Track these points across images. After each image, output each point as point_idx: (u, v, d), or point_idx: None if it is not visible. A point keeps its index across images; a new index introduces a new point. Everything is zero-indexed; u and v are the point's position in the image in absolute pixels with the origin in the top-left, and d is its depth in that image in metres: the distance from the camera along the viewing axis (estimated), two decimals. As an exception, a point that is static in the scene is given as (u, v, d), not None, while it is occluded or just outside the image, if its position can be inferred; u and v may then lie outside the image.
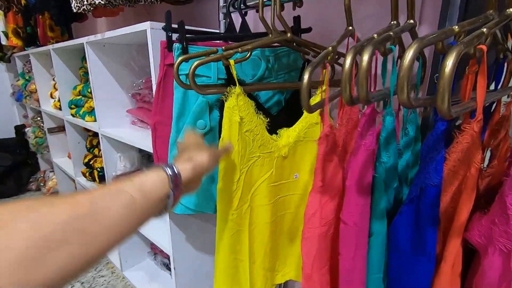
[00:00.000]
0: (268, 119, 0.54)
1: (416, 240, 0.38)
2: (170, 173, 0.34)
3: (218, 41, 0.69)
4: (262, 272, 0.57)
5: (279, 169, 0.55)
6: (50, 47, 1.33)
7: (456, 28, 0.31)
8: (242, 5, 0.67)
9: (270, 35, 0.61)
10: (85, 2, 0.85)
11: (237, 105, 0.48)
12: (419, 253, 0.38)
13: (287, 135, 0.55)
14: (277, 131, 0.56)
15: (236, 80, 0.50)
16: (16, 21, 1.77)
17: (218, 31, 0.78)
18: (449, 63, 0.25)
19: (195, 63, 0.46)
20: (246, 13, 0.71)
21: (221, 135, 0.50)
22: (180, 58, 0.49)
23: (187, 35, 0.59)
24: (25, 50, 1.77)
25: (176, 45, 0.59)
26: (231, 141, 0.50)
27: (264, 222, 0.54)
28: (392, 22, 0.44)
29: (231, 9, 0.70)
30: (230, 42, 0.73)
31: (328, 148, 0.41)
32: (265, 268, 0.56)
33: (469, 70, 0.33)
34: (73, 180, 1.51)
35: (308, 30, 0.73)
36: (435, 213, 0.37)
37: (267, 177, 0.54)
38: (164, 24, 0.61)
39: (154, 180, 0.32)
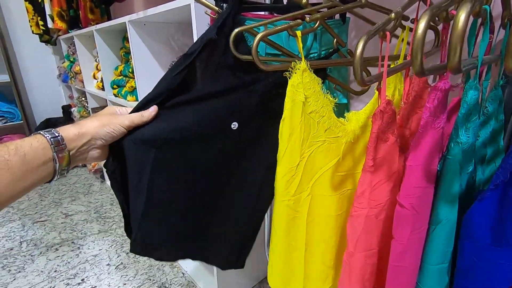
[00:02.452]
0: (336, 99, 0.48)
1: (500, 230, 0.34)
2: (50, 137, 0.35)
3: (264, 13, 0.66)
4: (322, 267, 0.53)
5: (348, 157, 0.49)
6: (93, 28, 1.36)
7: None
8: (291, -28, 0.62)
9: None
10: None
11: (302, 82, 0.44)
12: (504, 244, 0.34)
13: (356, 118, 0.48)
14: (345, 114, 0.50)
15: (302, 53, 0.45)
16: (60, 4, 1.84)
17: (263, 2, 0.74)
18: None
19: (260, 35, 0.42)
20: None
21: (282, 116, 0.46)
22: (239, 29, 0.45)
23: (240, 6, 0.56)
24: (68, 32, 1.85)
25: (226, 16, 0.57)
26: (293, 124, 0.46)
27: (326, 214, 0.50)
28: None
29: (279, -22, 0.66)
30: (275, 14, 0.69)
31: (384, 126, 0.37)
32: (325, 264, 0.53)
33: None
34: (116, 157, 1.60)
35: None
36: (529, 201, 0.32)
37: (333, 165, 0.49)
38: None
39: (32, 144, 0.34)
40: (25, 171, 0.33)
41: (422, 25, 0.24)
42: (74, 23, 1.87)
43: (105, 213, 1.67)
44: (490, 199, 0.35)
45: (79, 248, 1.39)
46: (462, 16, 0.23)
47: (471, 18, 0.34)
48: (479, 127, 0.46)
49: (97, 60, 1.62)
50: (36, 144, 0.34)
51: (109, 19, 1.94)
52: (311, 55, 0.69)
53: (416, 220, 0.37)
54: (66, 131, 0.38)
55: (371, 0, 0.54)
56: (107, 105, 1.51)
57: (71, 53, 1.95)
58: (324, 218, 0.50)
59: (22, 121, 2.27)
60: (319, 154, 0.48)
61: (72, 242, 1.43)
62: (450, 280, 0.40)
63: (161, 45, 1.10)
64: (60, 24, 1.90)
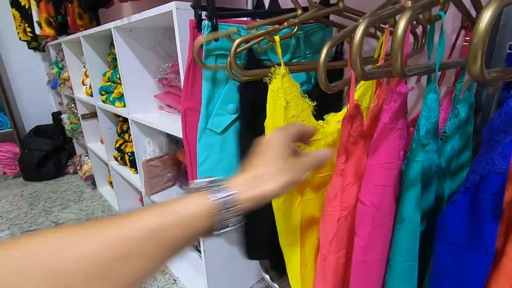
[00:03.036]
0: (315, 103, 0.49)
1: (471, 232, 0.35)
2: (221, 202, 0.27)
3: (246, 19, 0.66)
4: (303, 268, 0.53)
5: None
6: (79, 34, 1.36)
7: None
8: (272, -21, 0.63)
9: (299, 11, 0.57)
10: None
11: (282, 87, 0.44)
12: (475, 246, 0.35)
13: (335, 120, 0.49)
14: (324, 117, 0.51)
15: (281, 58, 0.46)
16: (48, 11, 1.82)
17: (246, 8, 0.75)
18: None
19: (237, 41, 0.43)
20: (275, -12, 0.67)
21: (265, 121, 0.47)
22: (208, 36, 0.46)
23: (218, 13, 0.57)
24: (57, 39, 1.83)
25: (206, 23, 0.57)
26: (276, 127, 0.46)
27: (312, 216, 0.51)
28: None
29: (260, -16, 0.66)
30: (258, 20, 0.69)
31: (353, 130, 0.38)
32: (306, 265, 0.53)
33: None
34: (106, 164, 1.58)
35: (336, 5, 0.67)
36: (498, 203, 0.32)
37: None
38: (191, 3, 0.58)
39: (196, 212, 0.26)
40: (182, 241, 0.26)
41: (359, 32, 0.25)
42: (62, 29, 1.85)
43: (96, 220, 1.65)
44: (461, 202, 0.35)
45: (69, 257, 1.37)
46: (401, 24, 0.24)
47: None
48: (450, 131, 0.47)
49: (86, 66, 1.60)
50: (202, 211, 0.26)
51: (98, 24, 1.93)
52: (296, 59, 0.69)
53: (376, 216, 0.38)
54: (242, 193, 0.28)
55: (350, 5, 0.55)
56: (96, 112, 1.50)
57: (60, 59, 1.94)
58: (311, 220, 0.51)
59: (11, 129, 2.24)
60: None
61: (62, 251, 1.41)
62: (421, 282, 0.41)
63: (148, 51, 1.10)
64: (48, 31, 1.88)
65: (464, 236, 0.36)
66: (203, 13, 0.58)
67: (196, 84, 0.65)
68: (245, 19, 0.68)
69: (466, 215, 0.35)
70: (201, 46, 0.60)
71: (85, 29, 1.74)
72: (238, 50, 0.46)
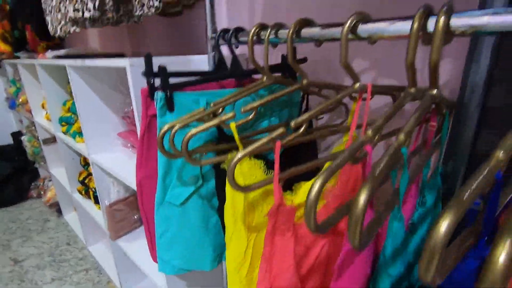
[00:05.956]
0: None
1: None
2: None
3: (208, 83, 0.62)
4: None
5: None
6: (35, 62, 1.25)
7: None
8: (233, 39, 0.59)
9: (264, 78, 0.54)
10: (59, 30, 0.76)
11: (241, 172, 0.41)
12: None
13: (304, 191, 0.44)
14: (292, 186, 0.48)
15: (239, 143, 0.43)
16: (2, 26, 1.68)
17: (207, 64, 0.70)
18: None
19: (190, 133, 0.40)
20: (237, 46, 0.63)
21: (226, 202, 0.44)
22: (165, 128, 0.43)
23: (172, 83, 0.52)
24: (14, 55, 1.69)
25: (159, 94, 0.52)
26: (236, 213, 0.43)
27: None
28: (410, 90, 0.36)
29: (221, 41, 0.62)
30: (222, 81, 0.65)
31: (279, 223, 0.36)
32: None
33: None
34: (71, 195, 1.48)
35: (304, 60, 0.64)
36: None
37: None
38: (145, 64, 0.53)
39: None
40: None
41: (314, 191, 0.22)
42: (20, 45, 1.71)
43: (61, 255, 1.54)
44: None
45: (28, 302, 1.27)
46: (361, 199, 0.21)
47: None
48: (417, 220, 0.45)
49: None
50: None
51: (62, 41, 1.80)
52: (261, 125, 0.65)
53: None
54: None
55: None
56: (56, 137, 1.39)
57: (17, 78, 1.79)
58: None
59: (-36, 151, 2.05)
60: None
61: (20, 295, 1.30)
62: None
63: (109, 88, 1.02)
64: (4, 47, 1.73)
65: None
66: (156, 81, 0.53)
67: (152, 150, 0.60)
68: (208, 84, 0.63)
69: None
70: (154, 116, 0.55)
71: (47, 45, 1.61)
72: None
